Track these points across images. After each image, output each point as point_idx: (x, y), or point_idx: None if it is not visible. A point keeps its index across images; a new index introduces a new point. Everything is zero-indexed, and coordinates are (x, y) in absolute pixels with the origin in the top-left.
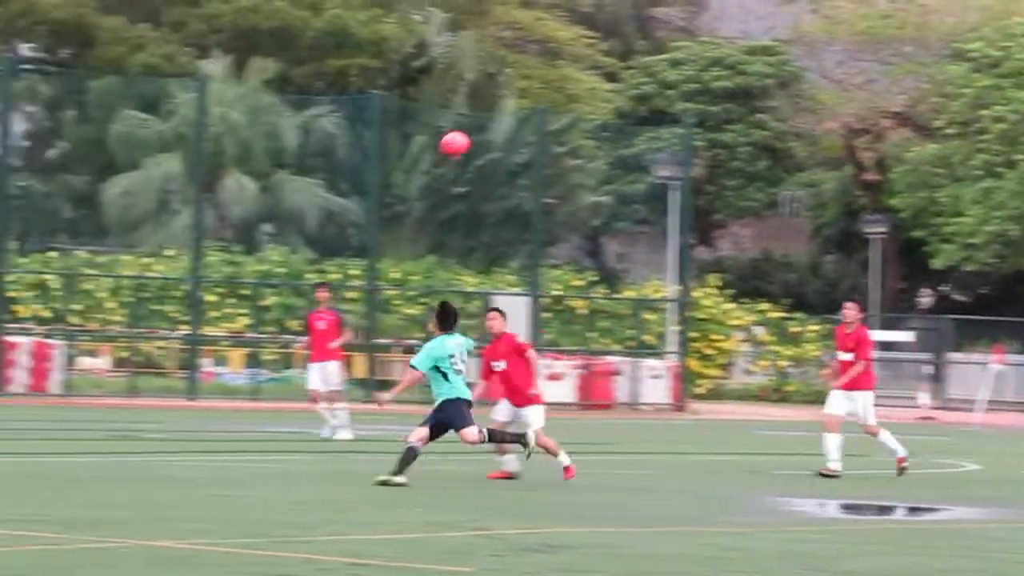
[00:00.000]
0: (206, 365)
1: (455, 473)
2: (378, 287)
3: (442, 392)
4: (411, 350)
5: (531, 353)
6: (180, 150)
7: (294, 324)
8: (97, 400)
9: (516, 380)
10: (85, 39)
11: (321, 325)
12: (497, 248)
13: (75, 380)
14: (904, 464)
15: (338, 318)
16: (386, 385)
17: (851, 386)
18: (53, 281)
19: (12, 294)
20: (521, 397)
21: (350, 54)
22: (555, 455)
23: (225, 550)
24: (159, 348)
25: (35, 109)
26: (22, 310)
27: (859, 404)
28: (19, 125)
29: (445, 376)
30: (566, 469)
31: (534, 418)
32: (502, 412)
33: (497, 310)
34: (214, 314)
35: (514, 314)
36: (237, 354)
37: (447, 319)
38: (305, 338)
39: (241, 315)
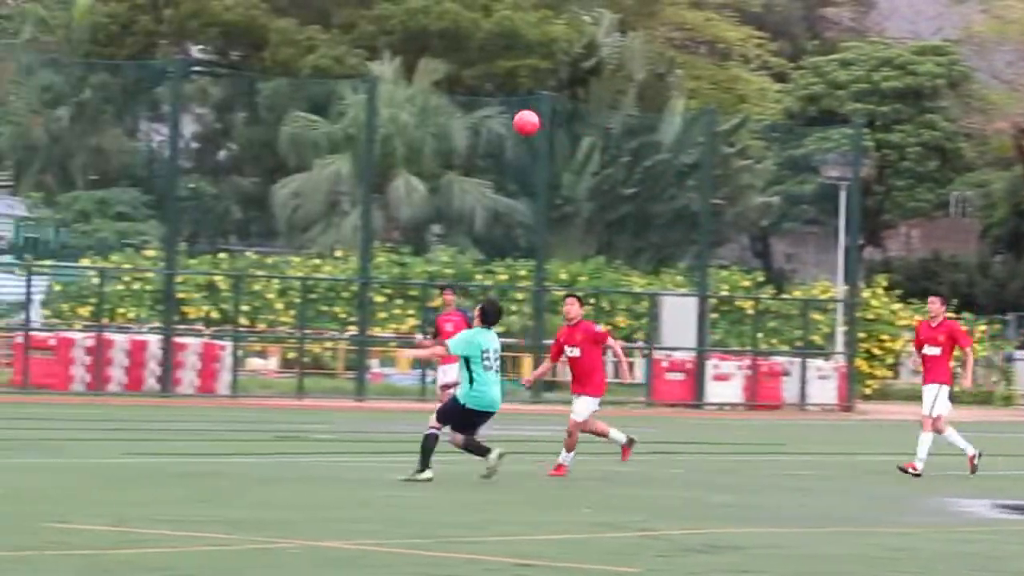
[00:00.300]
0: (374, 366)
1: (621, 474)
2: (546, 288)
3: (464, 392)
4: None
5: (612, 341)
6: (349, 151)
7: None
8: (265, 401)
9: (587, 368)
10: (256, 41)
11: (449, 327)
12: (665, 249)
13: (243, 381)
14: (975, 463)
15: (466, 320)
16: (553, 387)
17: (933, 379)
18: (222, 282)
19: (181, 295)
20: (580, 385)
21: (520, 55)
22: (604, 435)
23: (391, 551)
24: (327, 349)
25: (205, 111)
26: (191, 311)
27: (932, 396)
28: (189, 127)
29: (471, 374)
30: (623, 448)
31: (581, 408)
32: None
33: (576, 297)
34: (382, 315)
35: (682, 314)
36: (405, 355)
37: (490, 315)
38: (427, 338)
39: (409, 316)
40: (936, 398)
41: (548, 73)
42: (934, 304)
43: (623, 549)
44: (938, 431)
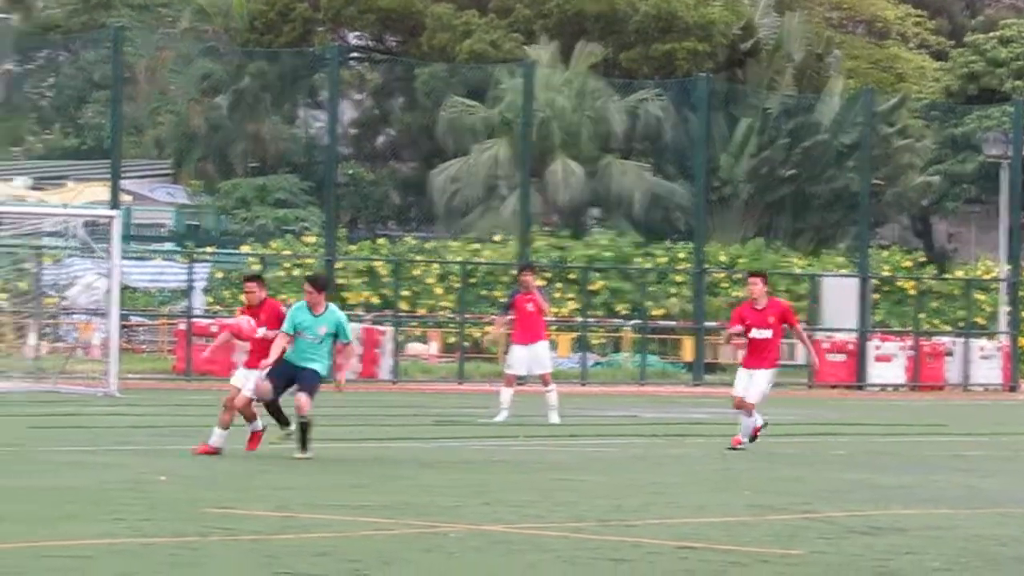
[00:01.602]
0: None
1: (783, 456)
2: (705, 270)
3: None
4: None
5: (800, 327)
6: (507, 136)
7: (623, 308)
8: (426, 386)
9: (773, 345)
10: (413, 27)
11: (529, 307)
12: (825, 230)
13: (404, 366)
14: None
15: (544, 299)
16: (714, 368)
17: None
18: (382, 268)
19: (342, 281)
20: (766, 363)
21: (677, 37)
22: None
23: (554, 534)
24: (487, 333)
25: (363, 97)
26: (352, 297)
27: None
28: (348, 113)
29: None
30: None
31: (761, 382)
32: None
33: (761, 275)
34: None
35: (843, 295)
36: (565, 339)
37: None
38: (507, 317)
39: (568, 299)
40: None
41: (705, 55)
42: None
43: (785, 531)
44: None
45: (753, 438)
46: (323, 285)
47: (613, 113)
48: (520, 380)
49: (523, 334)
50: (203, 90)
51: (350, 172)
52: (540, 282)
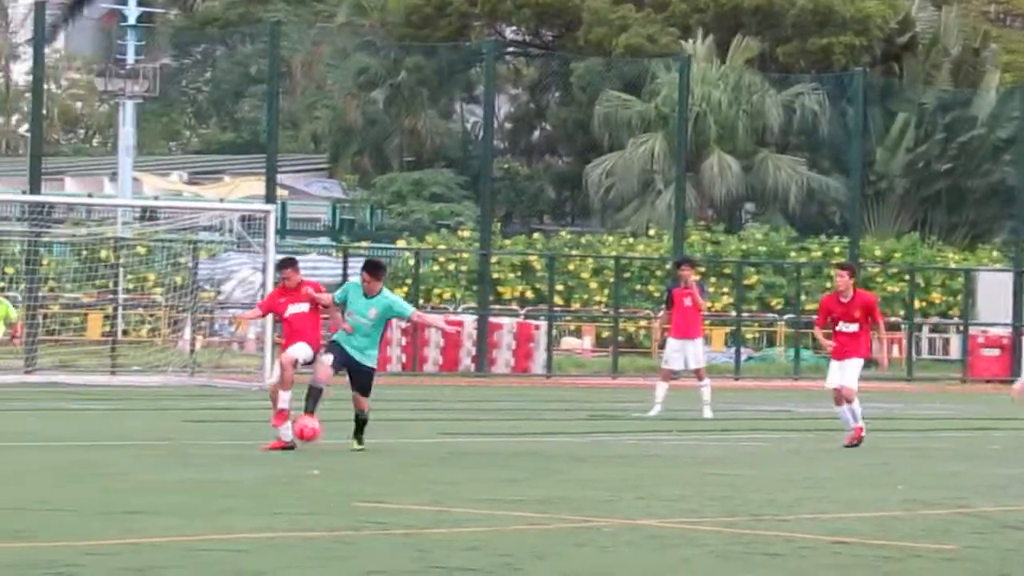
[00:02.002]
0: None
1: (936, 450)
2: (860, 265)
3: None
4: (896, 327)
5: (882, 323)
6: (662, 130)
7: (777, 303)
8: (579, 380)
9: (863, 342)
10: (569, 21)
11: (687, 302)
12: (981, 224)
13: (558, 360)
14: None
15: (703, 293)
16: (868, 363)
17: None
18: (536, 262)
19: (496, 275)
20: (851, 354)
21: (833, 32)
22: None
23: (707, 529)
24: (642, 328)
25: (519, 92)
26: (506, 291)
27: None
28: (503, 108)
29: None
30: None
31: (855, 369)
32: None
33: (848, 267)
34: None
35: (998, 290)
36: (719, 333)
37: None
38: (663, 311)
39: (723, 294)
40: None
41: (862, 49)
42: None
43: (938, 526)
44: None
45: (856, 441)
46: (380, 271)
47: (769, 107)
48: (674, 375)
49: (679, 328)
50: (359, 85)
51: (505, 167)
52: (696, 276)
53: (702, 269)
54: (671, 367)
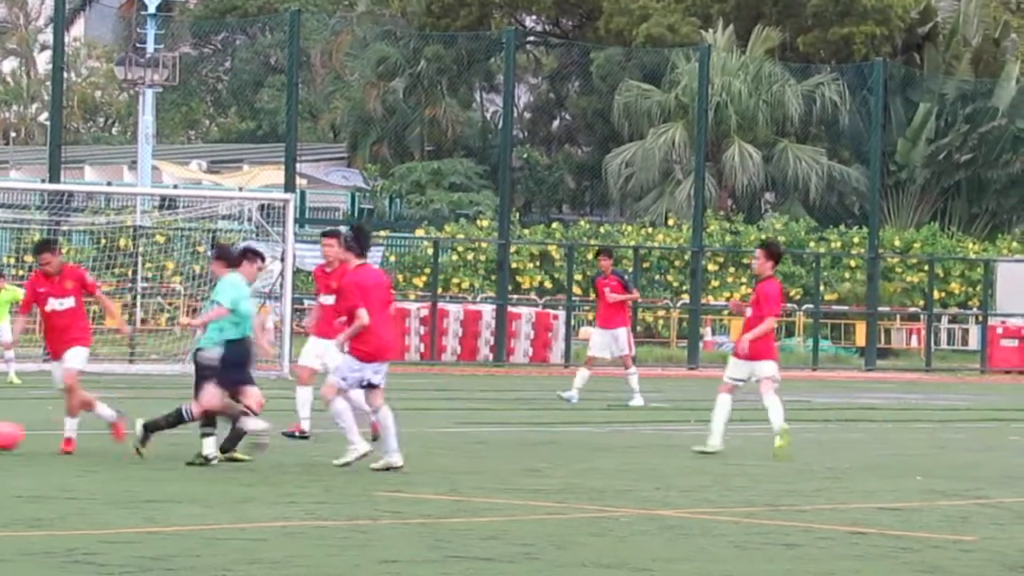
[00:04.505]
0: (707, 334)
1: (954, 441)
2: (880, 255)
3: None
4: (915, 318)
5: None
6: (682, 120)
7: (796, 293)
8: (598, 370)
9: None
10: (589, 10)
11: (607, 292)
12: (1000, 215)
13: (577, 350)
14: None
15: (623, 283)
16: (886, 353)
17: None
18: (555, 252)
19: (515, 265)
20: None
21: (855, 22)
22: None
23: (725, 519)
24: (660, 317)
25: (538, 81)
26: (525, 281)
27: None
28: (523, 97)
29: None
30: None
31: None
32: None
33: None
34: (714, 283)
35: (1017, 280)
36: (737, 323)
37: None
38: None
39: (742, 284)
40: None
41: (883, 39)
42: None
43: (957, 517)
44: None
45: None
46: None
47: (789, 97)
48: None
49: (603, 318)
50: (379, 74)
51: (525, 156)
52: (611, 264)
53: (720, 259)
54: (595, 355)
